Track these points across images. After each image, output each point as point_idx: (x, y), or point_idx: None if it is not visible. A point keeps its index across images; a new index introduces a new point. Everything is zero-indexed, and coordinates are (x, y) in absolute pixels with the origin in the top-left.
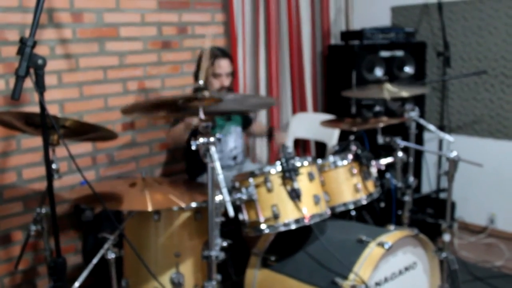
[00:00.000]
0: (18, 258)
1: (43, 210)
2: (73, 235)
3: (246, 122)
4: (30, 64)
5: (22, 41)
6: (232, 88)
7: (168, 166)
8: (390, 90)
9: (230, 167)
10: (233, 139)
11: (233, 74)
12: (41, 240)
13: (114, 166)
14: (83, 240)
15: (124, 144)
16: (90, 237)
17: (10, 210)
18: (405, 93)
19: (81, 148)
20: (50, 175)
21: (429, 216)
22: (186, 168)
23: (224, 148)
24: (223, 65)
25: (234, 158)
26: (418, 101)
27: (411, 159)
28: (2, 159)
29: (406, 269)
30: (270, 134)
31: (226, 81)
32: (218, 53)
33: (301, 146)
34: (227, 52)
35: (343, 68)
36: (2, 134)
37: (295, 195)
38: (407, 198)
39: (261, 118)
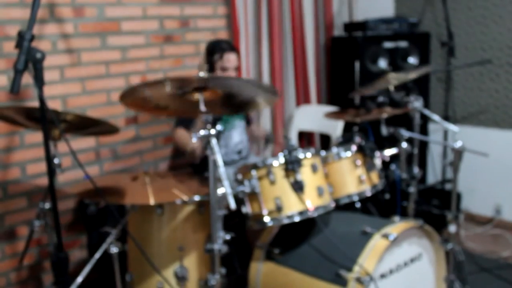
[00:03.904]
0: (23, 253)
1: (47, 205)
2: (78, 230)
3: (246, 122)
4: (28, 58)
5: (20, 35)
6: None
7: (172, 160)
8: (395, 78)
9: (235, 161)
10: (238, 133)
11: (239, 68)
12: (46, 235)
13: (118, 160)
14: (88, 235)
15: (127, 139)
16: (95, 231)
17: (14, 205)
18: (410, 76)
19: (84, 143)
20: (51, 170)
21: (435, 207)
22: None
23: (229, 142)
24: (232, 59)
25: (239, 152)
26: (423, 91)
27: (416, 150)
28: (6, 154)
29: (412, 260)
30: (267, 141)
31: (233, 75)
32: (226, 46)
33: (306, 138)
34: (234, 46)
35: (347, 59)
36: (6, 130)
37: (298, 187)
38: (412, 189)
39: (265, 112)
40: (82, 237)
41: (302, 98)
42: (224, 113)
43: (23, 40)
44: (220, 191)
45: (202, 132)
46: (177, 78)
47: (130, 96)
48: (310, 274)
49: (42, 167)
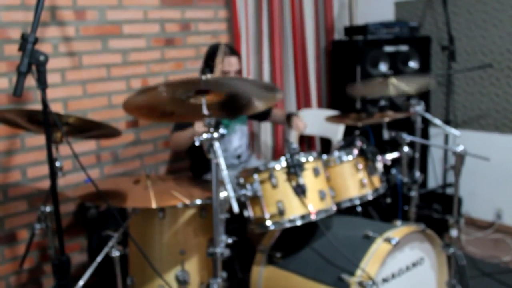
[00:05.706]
0: (23, 256)
1: (48, 209)
2: (78, 233)
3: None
4: (31, 60)
5: (24, 38)
6: None
7: (172, 164)
8: (395, 85)
9: (234, 166)
10: (238, 137)
11: (240, 72)
12: (46, 238)
13: (118, 164)
14: (88, 238)
15: (128, 142)
16: (95, 235)
17: (15, 209)
18: (410, 87)
19: (85, 146)
20: (53, 172)
21: (436, 212)
22: (191, 165)
23: (228, 147)
24: (233, 62)
25: (238, 157)
26: (423, 95)
27: (417, 154)
28: (7, 157)
29: (414, 265)
30: (289, 119)
31: None
32: (227, 50)
33: (306, 142)
34: (235, 50)
35: (347, 63)
36: (6, 133)
37: (300, 190)
38: (413, 193)
39: None
40: (82, 240)
41: (303, 101)
42: (226, 116)
43: (27, 42)
44: (223, 194)
45: (205, 136)
46: (175, 81)
47: (132, 104)
48: (312, 278)
49: (43, 170)
